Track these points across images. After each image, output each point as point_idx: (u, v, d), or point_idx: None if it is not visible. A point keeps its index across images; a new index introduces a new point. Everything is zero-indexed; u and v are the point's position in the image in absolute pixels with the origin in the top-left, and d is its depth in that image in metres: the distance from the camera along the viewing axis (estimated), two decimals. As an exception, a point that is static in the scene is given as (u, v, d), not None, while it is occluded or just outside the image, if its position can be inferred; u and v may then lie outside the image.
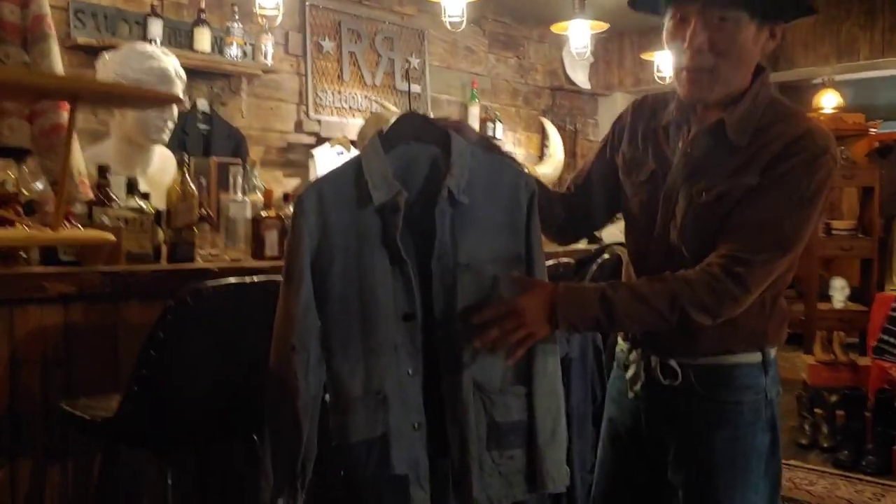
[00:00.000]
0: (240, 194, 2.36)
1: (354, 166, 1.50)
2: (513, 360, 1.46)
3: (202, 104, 3.97)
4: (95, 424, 1.63)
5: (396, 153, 1.51)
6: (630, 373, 1.58)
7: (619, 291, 1.43)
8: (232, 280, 1.58)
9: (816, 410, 4.10)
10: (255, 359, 1.51)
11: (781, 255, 1.41)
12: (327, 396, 1.51)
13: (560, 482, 1.56)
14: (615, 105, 6.52)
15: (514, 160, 1.63)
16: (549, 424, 1.54)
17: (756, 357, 1.50)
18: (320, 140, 4.43)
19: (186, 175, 2.25)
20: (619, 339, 1.68)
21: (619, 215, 1.72)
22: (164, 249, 2.22)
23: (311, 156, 4.30)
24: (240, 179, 2.37)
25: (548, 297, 1.43)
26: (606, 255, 2.90)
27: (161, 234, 2.22)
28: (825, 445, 4.00)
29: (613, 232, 3.23)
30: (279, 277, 1.48)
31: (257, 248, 2.36)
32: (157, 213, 2.20)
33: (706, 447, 1.49)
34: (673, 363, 1.51)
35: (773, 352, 1.52)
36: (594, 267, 2.84)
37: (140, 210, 2.11)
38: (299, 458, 1.47)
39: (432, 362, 1.51)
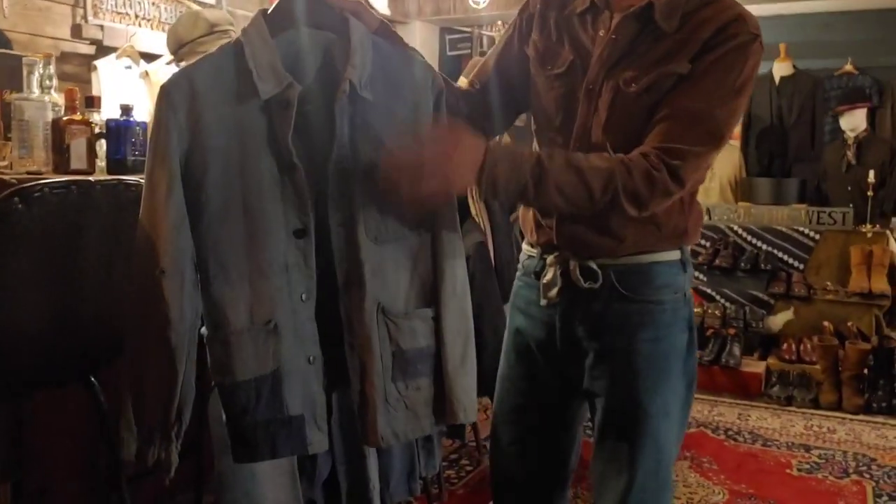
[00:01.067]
0: (37, 90, 1.93)
1: (233, 53, 1.27)
2: (412, 209, 1.32)
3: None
4: None
5: (284, 39, 1.29)
6: (546, 278, 1.46)
7: (555, 160, 1.30)
8: (76, 179, 1.24)
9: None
10: (99, 283, 1.20)
11: (714, 148, 1.33)
12: (203, 329, 1.29)
13: (471, 412, 1.42)
14: (414, 34, 6.38)
15: (417, 53, 1.42)
16: (458, 350, 1.41)
17: (675, 255, 1.44)
18: (103, 50, 3.85)
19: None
20: (527, 246, 1.56)
21: (522, 116, 1.58)
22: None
23: (94, 68, 3.73)
24: (36, 74, 1.94)
25: (480, 146, 1.28)
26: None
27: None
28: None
29: None
30: (134, 179, 1.18)
31: (60, 160, 1.96)
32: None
33: (628, 349, 1.42)
34: (593, 265, 1.41)
35: (688, 249, 1.48)
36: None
37: None
38: (174, 402, 1.26)
39: (327, 285, 1.32)
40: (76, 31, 3.92)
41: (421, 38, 6.65)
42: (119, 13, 4.10)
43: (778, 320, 4.34)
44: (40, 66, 1.96)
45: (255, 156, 1.26)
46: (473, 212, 2.79)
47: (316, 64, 1.33)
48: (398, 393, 1.35)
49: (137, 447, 1.25)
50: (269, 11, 1.28)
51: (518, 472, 1.60)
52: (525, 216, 1.56)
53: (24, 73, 1.95)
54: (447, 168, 1.27)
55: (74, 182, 1.20)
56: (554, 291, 1.45)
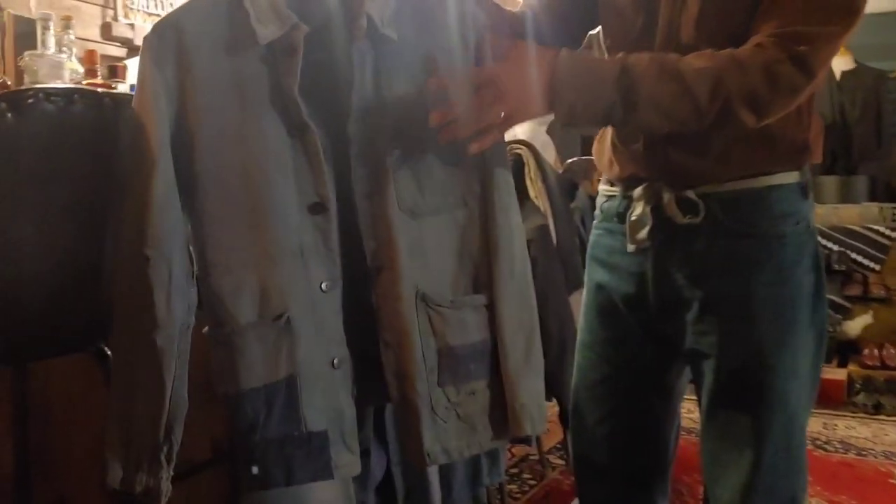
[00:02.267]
0: (53, 48, 1.73)
1: None
2: (477, 147, 1.05)
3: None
4: None
5: None
6: (633, 217, 1.18)
7: (645, 67, 1.03)
8: (80, 88, 1.01)
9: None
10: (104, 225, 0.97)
11: (849, 25, 1.05)
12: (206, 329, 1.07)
13: (540, 422, 1.15)
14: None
15: None
16: (521, 344, 1.14)
17: (794, 176, 1.16)
18: (133, 50, 3.70)
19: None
20: (605, 185, 1.29)
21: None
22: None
23: (125, 67, 3.58)
24: (52, 31, 1.75)
25: (546, 63, 1.03)
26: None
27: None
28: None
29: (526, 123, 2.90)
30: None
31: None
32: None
33: (743, 295, 1.14)
34: (691, 195, 1.14)
35: (808, 171, 1.20)
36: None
37: None
38: (162, 420, 1.04)
39: (355, 270, 1.08)
40: (106, 32, 3.78)
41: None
42: (150, 13, 3.95)
43: (856, 325, 4.02)
44: (53, 22, 1.77)
45: (256, 115, 1.04)
46: (532, 194, 2.56)
47: (327, 1, 1.09)
48: (448, 400, 1.10)
49: (123, 473, 1.03)
50: None
51: (608, 457, 1.30)
52: (601, 146, 1.29)
53: (39, 29, 1.76)
54: (509, 91, 1.02)
55: (78, 91, 0.98)
56: (644, 232, 1.18)
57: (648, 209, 1.18)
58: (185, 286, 1.05)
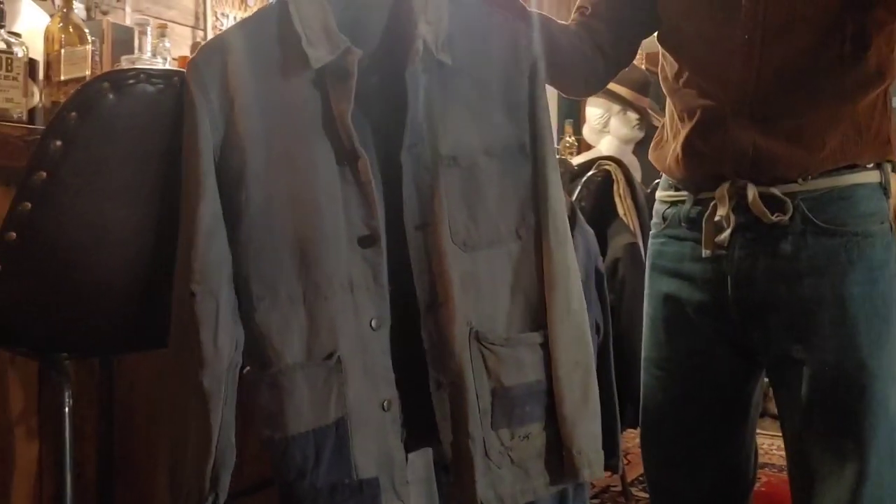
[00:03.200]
0: (149, 53, 1.75)
1: (276, 15, 1.01)
2: None
3: (78, 9, 3.24)
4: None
5: (338, 0, 1.02)
6: (716, 216, 1.13)
7: None
8: (180, 70, 0.99)
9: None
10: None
11: None
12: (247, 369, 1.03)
13: (598, 467, 1.09)
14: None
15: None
16: (577, 385, 1.09)
17: (875, 176, 1.13)
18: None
19: (71, 14, 1.61)
20: (667, 192, 1.23)
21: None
22: (41, 117, 1.59)
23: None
24: (149, 36, 1.77)
25: None
26: (593, 171, 2.49)
27: (37, 95, 1.58)
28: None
29: (613, 143, 2.83)
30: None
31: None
32: (31, 62, 1.56)
33: (836, 296, 1.09)
34: (777, 192, 1.09)
35: (889, 170, 1.16)
36: (579, 185, 2.42)
37: (7, 47, 1.47)
38: (208, 468, 0.98)
39: (404, 306, 1.04)
40: (196, 50, 3.90)
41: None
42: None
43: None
44: (150, 28, 1.79)
45: (306, 142, 0.99)
46: (621, 211, 2.49)
47: (380, 25, 1.06)
48: (501, 444, 1.05)
49: None
50: None
51: (687, 482, 1.25)
52: (662, 151, 1.23)
53: (136, 35, 1.78)
54: None
55: (178, 73, 0.96)
56: (726, 234, 1.12)
57: (730, 208, 1.12)
58: (232, 323, 0.99)
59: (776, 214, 1.10)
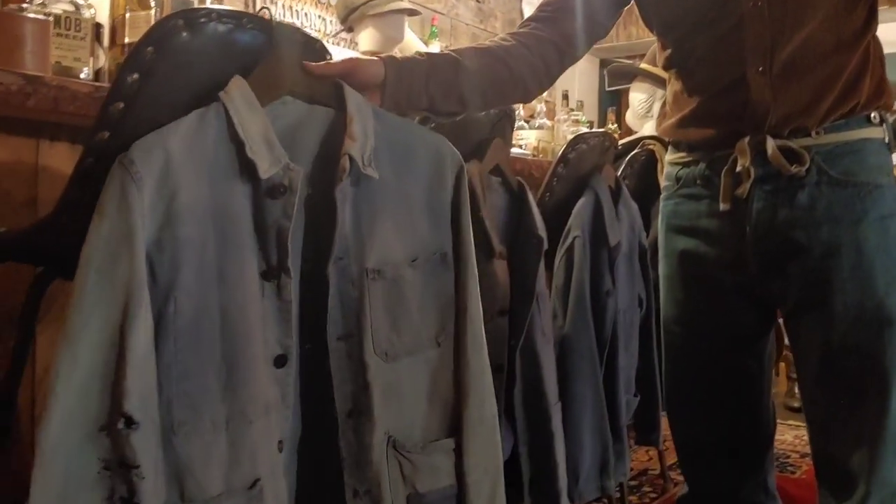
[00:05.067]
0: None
1: (216, 120, 0.97)
2: None
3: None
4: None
5: (270, 114, 1.02)
6: (741, 165, 1.20)
7: None
8: (251, 14, 1.03)
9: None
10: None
11: None
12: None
13: None
14: (573, 66, 6.19)
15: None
16: (486, 491, 1.12)
17: (879, 132, 1.23)
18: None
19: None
20: (678, 154, 1.31)
21: None
22: (105, 78, 1.65)
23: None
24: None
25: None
26: (637, 150, 2.50)
27: (102, 57, 1.64)
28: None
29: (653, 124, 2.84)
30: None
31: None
32: (97, 26, 1.62)
33: (853, 240, 1.17)
34: (794, 145, 1.18)
35: (891, 126, 1.28)
36: (623, 164, 2.43)
37: (75, 9, 1.53)
38: None
39: (320, 417, 1.06)
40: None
41: (579, 69, 6.46)
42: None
43: None
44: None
45: (237, 254, 0.96)
46: (664, 194, 2.49)
47: (312, 143, 1.07)
48: None
49: None
50: (248, 78, 1.02)
51: (712, 435, 1.32)
52: (674, 117, 1.31)
53: (195, 3, 1.84)
54: None
55: (248, 15, 1.00)
56: (745, 187, 1.19)
57: (749, 161, 1.19)
58: (161, 452, 0.90)
59: (794, 166, 1.17)
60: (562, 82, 5.94)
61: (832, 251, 1.17)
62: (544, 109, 3.44)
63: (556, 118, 3.52)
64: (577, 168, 1.92)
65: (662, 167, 2.49)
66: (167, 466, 0.91)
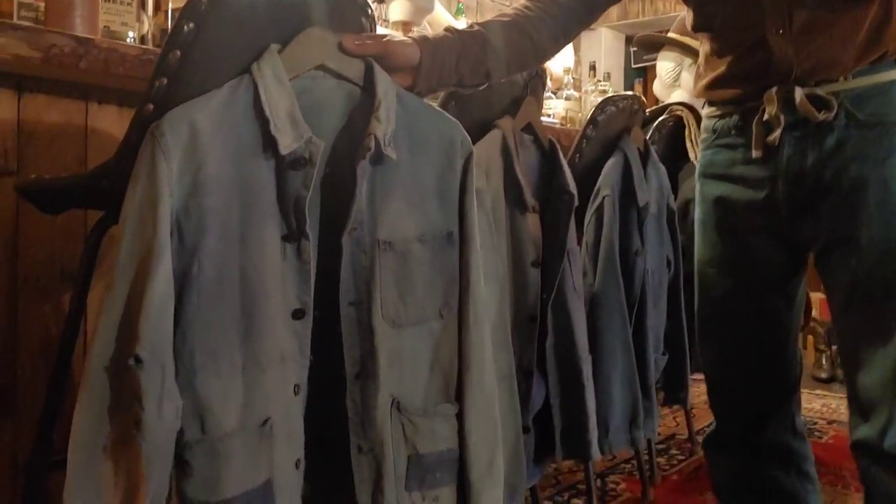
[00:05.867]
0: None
1: (245, 94, 1.05)
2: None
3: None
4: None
5: (298, 87, 1.09)
6: (769, 114, 1.24)
7: None
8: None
9: (835, 346, 3.89)
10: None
11: None
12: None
13: None
14: (599, 42, 6.18)
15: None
16: (485, 455, 1.20)
17: None
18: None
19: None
20: (715, 108, 1.36)
21: None
22: (150, 44, 1.71)
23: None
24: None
25: None
26: (665, 116, 2.52)
27: (147, 23, 1.70)
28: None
29: (683, 97, 2.86)
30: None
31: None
32: (142, -9, 1.68)
33: (880, 177, 1.20)
34: (822, 92, 1.22)
35: None
36: (650, 130, 2.46)
37: (122, -25, 1.59)
38: None
39: (329, 376, 1.13)
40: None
41: (606, 46, 6.44)
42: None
43: None
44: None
45: (260, 222, 1.05)
46: (692, 156, 2.52)
47: (336, 118, 1.13)
48: None
49: None
50: (281, 51, 1.08)
51: (742, 376, 1.40)
52: (707, 78, 1.35)
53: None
54: None
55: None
56: (776, 134, 1.24)
57: (778, 109, 1.23)
58: (173, 391, 0.99)
59: (822, 112, 1.20)
60: (588, 56, 5.91)
61: (859, 187, 1.21)
62: (571, 81, 3.46)
63: (583, 90, 3.54)
64: (607, 130, 1.96)
65: (690, 133, 2.52)
66: (190, 405, 1.00)
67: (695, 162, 2.49)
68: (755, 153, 1.25)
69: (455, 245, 1.19)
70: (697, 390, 2.70)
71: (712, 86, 1.33)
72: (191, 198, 0.99)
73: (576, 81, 3.77)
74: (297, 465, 1.09)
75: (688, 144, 2.48)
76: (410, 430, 1.15)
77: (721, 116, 1.33)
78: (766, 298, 1.32)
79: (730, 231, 1.32)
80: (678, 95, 2.97)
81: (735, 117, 1.30)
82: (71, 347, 1.27)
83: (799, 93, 1.21)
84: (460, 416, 1.19)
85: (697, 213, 1.37)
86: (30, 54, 1.39)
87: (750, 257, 1.31)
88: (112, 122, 1.66)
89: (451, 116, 1.22)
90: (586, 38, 6.19)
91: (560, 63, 3.75)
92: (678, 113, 2.49)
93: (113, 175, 1.08)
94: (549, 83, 3.30)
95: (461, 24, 4.81)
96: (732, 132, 1.30)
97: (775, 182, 1.25)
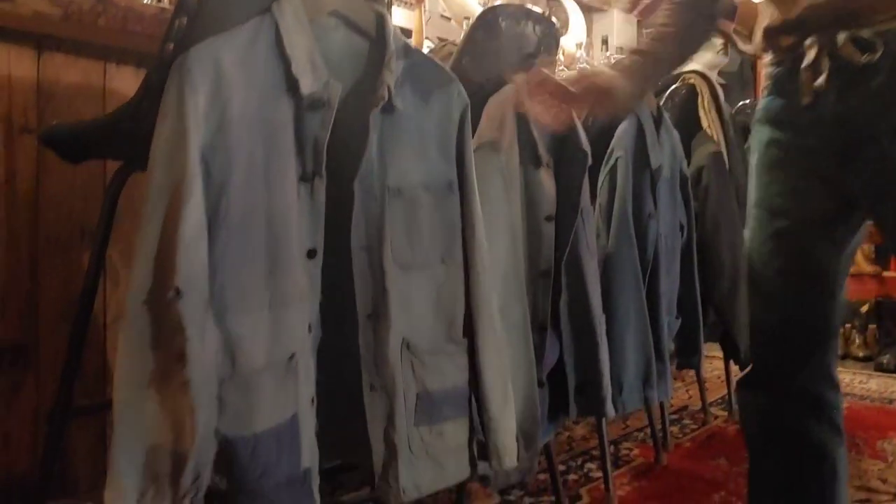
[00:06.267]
0: None
1: (267, 33, 1.07)
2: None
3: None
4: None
5: (318, 27, 1.12)
6: (806, 64, 1.24)
7: None
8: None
9: (846, 324, 4.08)
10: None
11: None
12: None
13: (511, 455, 1.29)
14: (611, 20, 6.13)
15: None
16: (500, 388, 1.27)
17: None
18: None
19: None
20: (771, 67, 1.36)
21: None
22: (167, 2, 1.73)
23: None
24: None
25: None
26: (677, 84, 2.51)
27: (163, -14, 1.71)
28: (860, 355, 4.05)
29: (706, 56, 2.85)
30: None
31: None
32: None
33: None
34: (865, 34, 1.18)
35: None
36: (663, 98, 2.45)
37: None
38: (189, 462, 0.97)
39: (343, 316, 1.17)
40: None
41: (617, 28, 6.38)
42: None
43: None
44: None
45: (279, 159, 1.06)
46: (705, 124, 2.52)
47: (351, 65, 1.16)
48: (420, 439, 1.20)
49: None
50: None
51: (784, 315, 1.39)
52: (764, 16, 1.36)
53: None
54: None
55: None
56: (821, 79, 1.22)
57: (824, 55, 1.21)
58: (211, 323, 1.00)
59: (866, 55, 1.17)
60: (600, 30, 5.85)
61: None
62: (584, 55, 3.46)
63: (595, 63, 3.54)
64: (620, 93, 1.96)
65: (703, 101, 2.51)
66: (222, 344, 1.01)
67: (708, 130, 2.49)
68: (804, 99, 1.24)
69: (455, 194, 1.24)
70: (710, 365, 2.70)
71: (768, 34, 1.34)
72: (217, 136, 1.00)
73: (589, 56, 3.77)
74: (312, 402, 1.11)
75: (700, 113, 2.48)
76: (419, 367, 1.20)
77: (776, 64, 1.33)
78: (814, 243, 1.30)
79: (781, 173, 1.32)
80: (690, 64, 2.96)
81: (787, 64, 1.30)
82: (90, 302, 1.29)
83: (841, 36, 1.19)
84: (473, 355, 1.24)
85: (751, 158, 1.38)
86: (50, 11, 1.41)
87: (800, 200, 1.30)
88: (130, 83, 1.68)
89: (448, 69, 1.26)
90: (598, 17, 6.15)
91: (573, 39, 3.75)
92: (691, 81, 2.48)
93: (134, 116, 1.09)
94: (561, 56, 3.30)
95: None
96: (785, 79, 1.30)
97: (822, 128, 1.24)
